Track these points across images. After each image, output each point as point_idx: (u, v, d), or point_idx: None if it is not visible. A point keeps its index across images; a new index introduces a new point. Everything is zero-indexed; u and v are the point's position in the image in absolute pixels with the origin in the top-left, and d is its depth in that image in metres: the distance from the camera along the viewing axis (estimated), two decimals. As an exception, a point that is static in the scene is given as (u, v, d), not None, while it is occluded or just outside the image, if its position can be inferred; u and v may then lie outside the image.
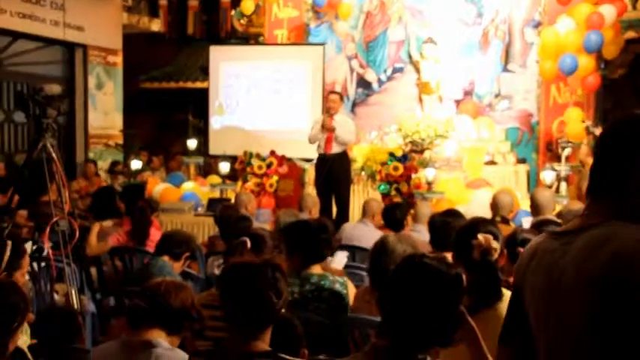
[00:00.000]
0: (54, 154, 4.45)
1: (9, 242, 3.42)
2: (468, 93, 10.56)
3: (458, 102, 10.51)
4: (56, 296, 4.72)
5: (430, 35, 10.36)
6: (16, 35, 10.69)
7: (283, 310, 2.94)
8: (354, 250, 5.37)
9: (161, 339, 2.41)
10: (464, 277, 1.90)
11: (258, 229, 4.12)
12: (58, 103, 4.35)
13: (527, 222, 5.59)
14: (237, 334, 2.16)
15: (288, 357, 2.13)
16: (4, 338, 2.21)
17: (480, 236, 2.48)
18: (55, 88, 4.35)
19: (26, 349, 3.10)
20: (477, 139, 9.90)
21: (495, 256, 2.50)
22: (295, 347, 2.44)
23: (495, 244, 2.49)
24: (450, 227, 3.34)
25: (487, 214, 5.41)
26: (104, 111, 12.30)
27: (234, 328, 2.19)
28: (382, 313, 1.89)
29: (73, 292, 4.35)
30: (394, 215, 5.39)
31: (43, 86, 4.32)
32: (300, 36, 11.24)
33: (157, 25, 13.67)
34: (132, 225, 5.44)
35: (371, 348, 1.92)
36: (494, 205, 5.42)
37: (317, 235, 3.57)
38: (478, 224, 2.64)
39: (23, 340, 3.17)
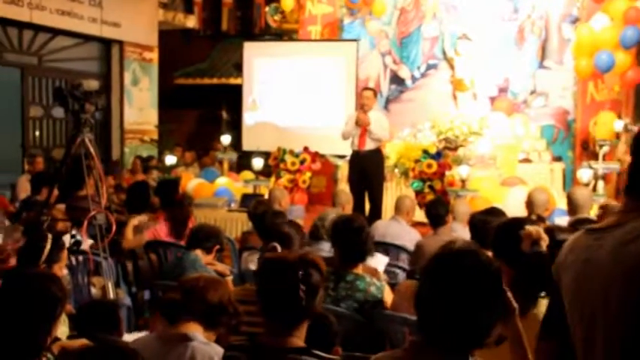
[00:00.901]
0: (92, 149, 4.52)
1: (49, 235, 3.49)
2: (502, 90, 10.45)
3: (492, 99, 10.40)
4: (93, 289, 4.79)
5: (465, 31, 10.27)
6: (55, 32, 10.88)
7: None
8: (387, 248, 5.35)
9: (198, 333, 2.44)
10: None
11: (290, 224, 4.11)
12: (96, 98, 4.42)
13: (562, 220, 5.52)
14: (272, 329, 2.17)
15: (322, 354, 2.13)
16: (45, 328, 2.25)
17: (530, 227, 2.44)
18: (93, 84, 4.42)
19: (65, 340, 3.16)
20: (511, 137, 9.79)
21: (544, 246, 2.45)
22: (329, 344, 2.44)
23: (544, 236, 2.45)
24: (490, 226, 3.29)
25: (522, 212, 5.35)
26: (139, 107, 12.45)
27: (268, 324, 2.20)
28: (417, 309, 1.87)
29: (110, 285, 4.42)
30: (437, 210, 5.26)
31: (82, 82, 4.39)
32: (334, 32, 11.24)
33: (191, 22, 13.80)
34: (171, 219, 5.46)
35: (410, 345, 1.90)
36: (530, 203, 5.33)
37: (352, 237, 3.52)
38: (520, 221, 2.59)
39: (62, 330, 3.23)
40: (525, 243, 2.43)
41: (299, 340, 2.15)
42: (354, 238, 3.51)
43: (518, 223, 2.57)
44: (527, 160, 9.59)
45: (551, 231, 3.23)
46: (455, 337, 1.80)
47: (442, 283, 1.80)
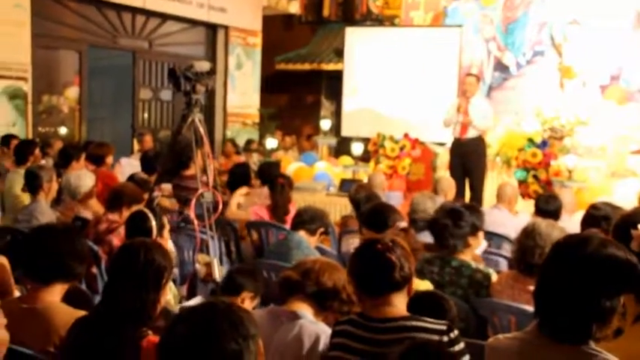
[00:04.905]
0: (201, 129, 4.63)
1: (147, 211, 3.67)
2: (614, 78, 9.95)
3: (603, 87, 9.94)
4: (197, 265, 4.94)
5: (575, 16, 9.84)
6: (165, 17, 11.27)
7: (418, 282, 2.94)
8: (489, 236, 5.23)
9: (307, 313, 2.49)
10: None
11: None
12: (207, 79, 4.51)
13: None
14: (373, 304, 2.24)
15: (431, 319, 2.17)
16: (153, 296, 2.33)
17: None
18: (204, 65, 4.52)
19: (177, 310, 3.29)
20: (623, 127, 9.33)
21: None
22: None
23: None
24: (598, 217, 3.16)
25: (632, 205, 5.09)
26: (242, 90, 12.72)
27: (369, 299, 2.27)
28: (536, 298, 1.83)
29: (215, 262, 4.54)
30: (547, 206, 4.99)
31: (194, 63, 4.50)
32: (437, 17, 11.07)
33: (294, 7, 13.94)
34: (272, 201, 5.56)
35: (533, 329, 1.86)
36: (645, 196, 5.08)
37: (445, 227, 3.47)
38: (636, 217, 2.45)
39: (171, 302, 3.37)
40: (635, 243, 2.31)
41: (402, 310, 2.21)
42: (450, 230, 3.46)
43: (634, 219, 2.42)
44: (639, 152, 9.13)
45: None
46: (570, 326, 1.75)
47: (563, 271, 1.76)
